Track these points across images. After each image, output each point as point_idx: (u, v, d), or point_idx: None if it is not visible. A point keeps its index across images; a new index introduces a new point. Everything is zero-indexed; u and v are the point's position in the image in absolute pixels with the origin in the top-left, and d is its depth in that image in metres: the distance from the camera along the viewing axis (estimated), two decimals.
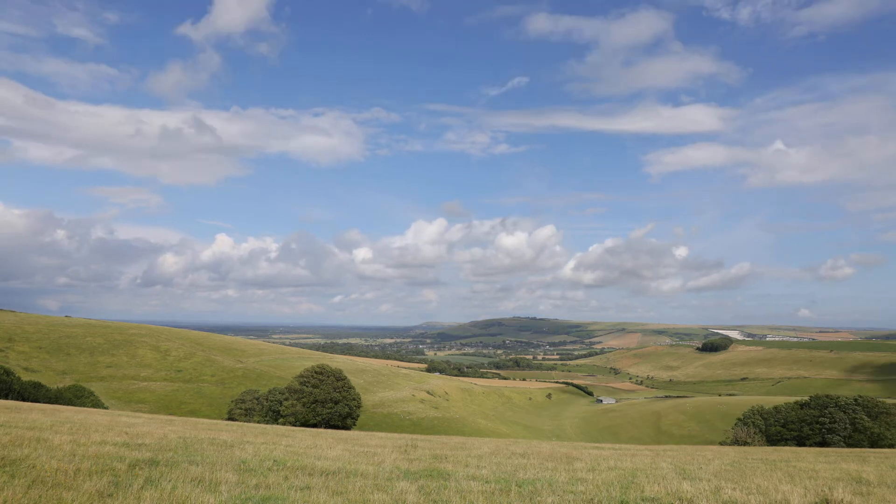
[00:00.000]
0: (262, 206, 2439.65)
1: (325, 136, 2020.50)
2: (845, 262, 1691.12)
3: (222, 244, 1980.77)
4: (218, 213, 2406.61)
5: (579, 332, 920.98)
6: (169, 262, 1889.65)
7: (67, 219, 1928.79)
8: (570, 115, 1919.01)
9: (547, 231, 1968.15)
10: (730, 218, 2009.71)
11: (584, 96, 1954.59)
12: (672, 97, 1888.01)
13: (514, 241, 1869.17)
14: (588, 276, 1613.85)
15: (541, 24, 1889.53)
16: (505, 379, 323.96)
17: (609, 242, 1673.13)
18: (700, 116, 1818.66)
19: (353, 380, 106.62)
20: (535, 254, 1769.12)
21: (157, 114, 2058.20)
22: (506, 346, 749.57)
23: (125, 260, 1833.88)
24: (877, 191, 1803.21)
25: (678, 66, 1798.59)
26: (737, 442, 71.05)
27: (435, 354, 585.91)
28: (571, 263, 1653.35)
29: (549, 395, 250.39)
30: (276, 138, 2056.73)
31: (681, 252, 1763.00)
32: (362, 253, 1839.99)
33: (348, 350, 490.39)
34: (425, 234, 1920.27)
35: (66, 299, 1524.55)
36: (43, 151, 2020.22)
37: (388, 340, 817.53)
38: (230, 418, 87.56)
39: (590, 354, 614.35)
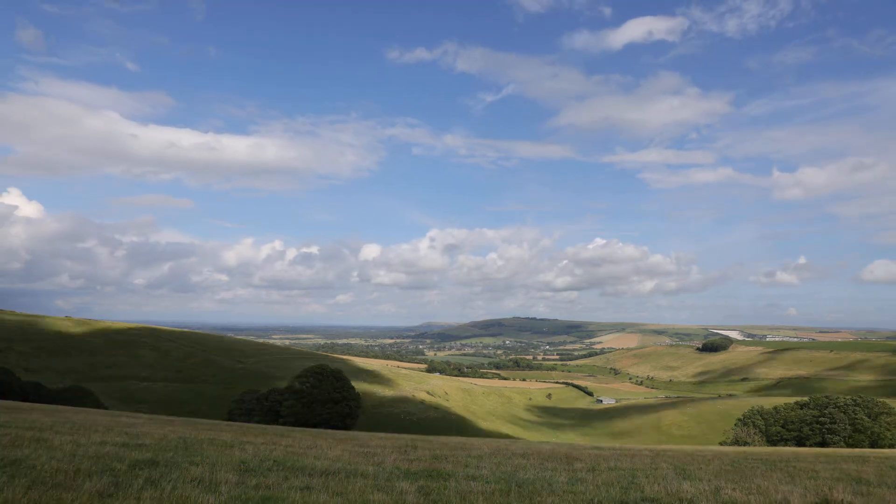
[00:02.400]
0: (282, 213, 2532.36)
1: (351, 152, 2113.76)
2: (842, 263, 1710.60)
3: (242, 249, 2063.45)
4: (244, 219, 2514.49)
5: (579, 333, 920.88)
6: (184, 266, 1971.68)
7: (103, 224, 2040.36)
8: (584, 154, 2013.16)
9: (547, 234, 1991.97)
10: (728, 222, 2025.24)
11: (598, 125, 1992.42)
12: (685, 132, 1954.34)
13: (516, 244, 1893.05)
14: (587, 278, 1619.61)
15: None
16: (505, 379, 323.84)
17: (609, 245, 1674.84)
18: (706, 155, 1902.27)
19: (353, 380, 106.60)
20: (536, 256, 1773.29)
21: (230, 138, 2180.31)
22: (506, 347, 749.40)
23: (148, 263, 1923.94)
24: (866, 198, 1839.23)
25: (692, 106, 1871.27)
26: (737, 442, 71.04)
27: (435, 354, 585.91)
28: (571, 266, 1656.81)
29: (549, 396, 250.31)
30: (321, 163, 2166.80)
31: (679, 254, 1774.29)
32: (370, 258, 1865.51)
33: (348, 350, 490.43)
34: (431, 241, 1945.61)
35: (83, 301, 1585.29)
36: (114, 167, 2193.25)
37: (388, 341, 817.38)
38: (230, 418, 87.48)
39: (590, 354, 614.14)
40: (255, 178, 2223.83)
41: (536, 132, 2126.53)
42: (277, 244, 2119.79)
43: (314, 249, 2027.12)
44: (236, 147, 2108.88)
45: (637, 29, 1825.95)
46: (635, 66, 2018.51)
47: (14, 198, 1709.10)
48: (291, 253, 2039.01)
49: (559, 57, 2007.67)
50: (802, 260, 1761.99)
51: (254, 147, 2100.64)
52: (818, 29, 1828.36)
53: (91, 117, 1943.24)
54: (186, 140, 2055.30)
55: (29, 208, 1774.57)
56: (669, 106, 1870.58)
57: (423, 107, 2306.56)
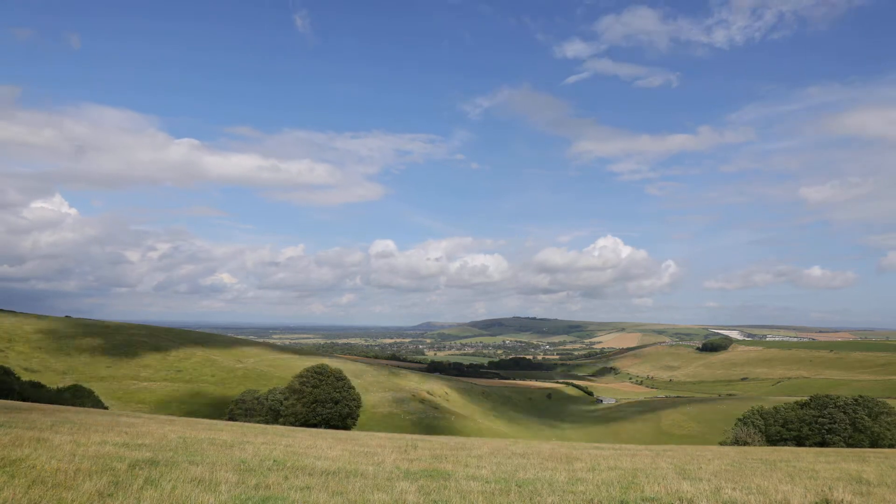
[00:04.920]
0: (307, 221, 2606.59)
1: (370, 163, 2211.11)
2: (839, 264, 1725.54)
3: (259, 254, 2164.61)
4: (270, 227, 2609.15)
5: (579, 332, 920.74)
6: (199, 269, 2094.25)
7: (139, 231, 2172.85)
8: (590, 169, 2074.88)
9: (548, 236, 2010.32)
10: (727, 225, 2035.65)
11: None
12: (692, 158, 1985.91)
13: (517, 246, 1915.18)
14: (588, 279, 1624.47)
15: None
16: (505, 379, 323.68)
17: (609, 247, 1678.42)
18: (706, 171, 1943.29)
19: (353, 380, 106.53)
20: (537, 258, 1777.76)
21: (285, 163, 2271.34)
22: (506, 346, 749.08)
23: (170, 268, 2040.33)
24: (860, 205, 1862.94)
25: (700, 139, 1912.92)
26: (737, 442, 70.98)
27: (435, 354, 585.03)
28: (571, 267, 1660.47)
29: (549, 395, 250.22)
30: (348, 177, 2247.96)
31: (679, 255, 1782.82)
32: (375, 261, 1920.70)
33: (348, 350, 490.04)
34: (434, 245, 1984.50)
35: (107, 301, 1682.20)
36: (174, 183, 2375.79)
37: (388, 340, 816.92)
38: (230, 418, 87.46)
39: (590, 354, 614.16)
40: (303, 193, 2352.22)
41: (550, 160, 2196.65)
42: (293, 250, 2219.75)
43: (324, 253, 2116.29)
44: (290, 169, 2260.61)
45: (654, 79, 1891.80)
46: (649, 108, 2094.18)
47: (56, 204, 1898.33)
48: (303, 256, 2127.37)
49: (580, 102, 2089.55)
50: (802, 261, 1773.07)
51: (305, 171, 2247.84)
52: (803, 41, 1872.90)
53: (174, 144, 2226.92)
54: (247, 162, 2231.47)
55: (70, 215, 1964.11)
56: (681, 141, 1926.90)
57: (433, 119, 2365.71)
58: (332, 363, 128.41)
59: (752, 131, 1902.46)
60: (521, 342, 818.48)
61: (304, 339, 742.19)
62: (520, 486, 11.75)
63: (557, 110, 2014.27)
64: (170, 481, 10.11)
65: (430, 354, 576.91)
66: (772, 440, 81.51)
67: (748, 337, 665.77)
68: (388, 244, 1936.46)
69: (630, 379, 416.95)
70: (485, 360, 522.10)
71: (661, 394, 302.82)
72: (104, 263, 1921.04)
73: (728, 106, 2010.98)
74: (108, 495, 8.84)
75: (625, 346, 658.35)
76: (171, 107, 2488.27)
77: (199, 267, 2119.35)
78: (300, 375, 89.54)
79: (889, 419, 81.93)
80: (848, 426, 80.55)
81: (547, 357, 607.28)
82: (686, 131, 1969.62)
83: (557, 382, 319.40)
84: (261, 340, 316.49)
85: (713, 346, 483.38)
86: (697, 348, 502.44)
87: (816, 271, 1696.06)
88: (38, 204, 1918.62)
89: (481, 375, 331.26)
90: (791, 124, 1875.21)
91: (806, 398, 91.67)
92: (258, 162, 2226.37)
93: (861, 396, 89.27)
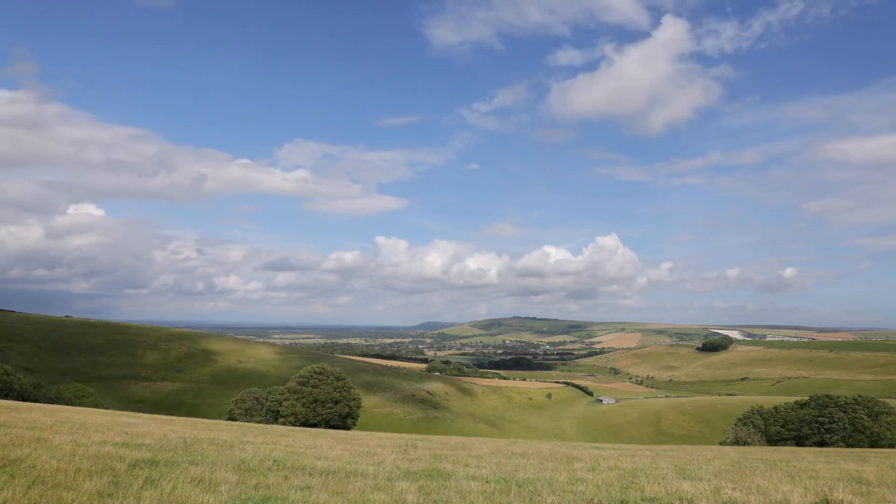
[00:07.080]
0: (311, 222, 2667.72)
1: (381, 173, 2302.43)
2: (840, 264, 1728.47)
3: (269, 256, 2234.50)
4: (286, 232, 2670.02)
5: (579, 332, 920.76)
6: (208, 271, 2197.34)
7: (162, 234, 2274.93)
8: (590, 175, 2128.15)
9: (548, 236, 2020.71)
10: (726, 225, 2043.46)
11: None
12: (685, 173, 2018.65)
13: (517, 246, 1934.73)
14: (588, 279, 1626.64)
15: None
16: (505, 379, 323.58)
17: (609, 247, 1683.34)
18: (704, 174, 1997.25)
19: (354, 380, 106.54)
20: (536, 257, 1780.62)
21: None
22: (506, 346, 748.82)
23: (185, 270, 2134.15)
24: (859, 208, 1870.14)
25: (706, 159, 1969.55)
26: (737, 442, 71.03)
27: (435, 354, 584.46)
28: (571, 266, 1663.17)
29: (549, 395, 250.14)
30: (365, 188, 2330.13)
31: (678, 255, 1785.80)
32: (376, 262, 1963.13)
33: (348, 350, 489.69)
34: (435, 246, 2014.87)
35: (109, 302, 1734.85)
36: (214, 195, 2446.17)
37: (388, 340, 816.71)
38: (230, 418, 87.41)
39: (590, 354, 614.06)
40: (320, 202, 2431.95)
41: (554, 170, 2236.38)
42: (306, 253, 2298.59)
43: (335, 255, 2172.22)
44: (327, 183, 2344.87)
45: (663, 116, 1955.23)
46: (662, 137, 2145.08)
47: (89, 210, 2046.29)
48: (315, 259, 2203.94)
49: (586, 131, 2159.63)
50: (802, 261, 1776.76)
51: (328, 182, 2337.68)
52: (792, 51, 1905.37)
53: (230, 165, 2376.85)
54: (287, 176, 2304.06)
55: (102, 221, 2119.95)
56: (688, 164, 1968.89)
57: (436, 125, 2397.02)
58: (333, 363, 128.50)
59: (756, 154, 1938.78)
60: (521, 342, 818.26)
61: (304, 338, 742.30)
62: (520, 486, 11.74)
63: (564, 137, 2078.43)
64: (170, 481, 10.10)
65: (431, 354, 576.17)
66: (772, 440, 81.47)
67: (748, 337, 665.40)
68: (393, 246, 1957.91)
69: (630, 379, 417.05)
70: (485, 361, 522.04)
71: (661, 394, 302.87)
72: (124, 266, 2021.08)
73: (730, 123, 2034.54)
74: (108, 495, 8.83)
75: (625, 346, 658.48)
76: (175, 117, 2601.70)
77: (209, 270, 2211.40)
78: (300, 375, 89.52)
79: (889, 419, 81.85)
80: (848, 426, 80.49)
81: (547, 357, 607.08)
82: (694, 155, 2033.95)
83: (557, 382, 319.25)
84: (261, 340, 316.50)
85: (713, 346, 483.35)
86: (697, 348, 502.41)
87: (814, 272, 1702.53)
88: (72, 210, 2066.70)
89: (481, 375, 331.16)
90: (789, 142, 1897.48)
91: (806, 398, 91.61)
92: (276, 174, 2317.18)
93: (861, 396, 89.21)
